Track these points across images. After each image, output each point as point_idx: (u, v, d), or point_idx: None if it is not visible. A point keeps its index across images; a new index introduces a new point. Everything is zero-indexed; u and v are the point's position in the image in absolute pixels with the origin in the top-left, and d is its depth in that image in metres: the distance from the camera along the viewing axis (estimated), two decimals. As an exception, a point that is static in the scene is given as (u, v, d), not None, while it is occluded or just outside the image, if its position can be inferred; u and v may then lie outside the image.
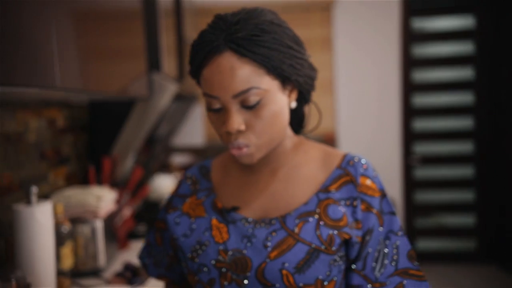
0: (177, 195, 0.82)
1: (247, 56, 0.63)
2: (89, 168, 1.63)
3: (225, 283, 0.69)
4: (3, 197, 1.20)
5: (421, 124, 3.10)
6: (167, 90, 1.60)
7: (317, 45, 2.96)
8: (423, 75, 3.07)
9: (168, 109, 1.88)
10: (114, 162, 1.65)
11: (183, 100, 2.07)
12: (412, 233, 3.14)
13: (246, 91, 0.63)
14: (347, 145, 3.01)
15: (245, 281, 0.67)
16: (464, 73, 3.05)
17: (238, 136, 0.66)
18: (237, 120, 0.65)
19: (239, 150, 0.67)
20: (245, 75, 0.63)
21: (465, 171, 3.11)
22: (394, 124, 3.02)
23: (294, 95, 0.71)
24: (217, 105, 0.66)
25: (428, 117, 3.09)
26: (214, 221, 0.73)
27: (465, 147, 3.10)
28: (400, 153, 3.04)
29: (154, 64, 1.70)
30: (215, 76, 0.64)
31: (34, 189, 1.08)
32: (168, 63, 1.82)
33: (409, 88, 3.03)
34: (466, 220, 3.16)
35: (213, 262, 0.70)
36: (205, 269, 0.70)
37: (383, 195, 0.72)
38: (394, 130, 3.02)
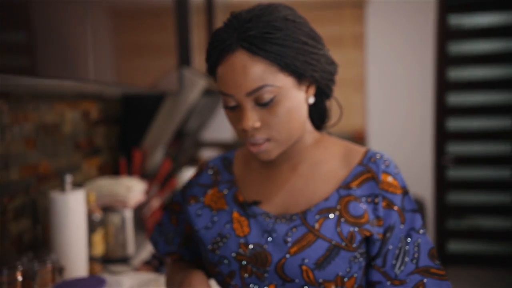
0: (198, 183, 0.83)
1: (259, 54, 0.62)
2: (120, 159, 1.69)
3: (246, 275, 0.70)
4: (40, 184, 1.26)
5: (456, 124, 3.01)
6: (197, 85, 1.63)
7: (348, 42, 2.92)
8: (459, 73, 2.98)
9: (197, 103, 1.92)
10: (144, 154, 1.70)
11: (212, 95, 2.10)
12: (443, 234, 3.06)
13: (259, 88, 0.63)
14: (377, 143, 2.96)
15: (265, 275, 0.68)
16: (505, 71, 2.93)
17: (254, 133, 0.66)
18: (252, 117, 0.65)
19: (257, 147, 0.68)
20: (258, 73, 0.63)
21: (502, 173, 3.00)
22: (426, 123, 2.94)
23: (311, 91, 0.70)
24: (232, 103, 0.66)
25: (464, 117, 2.99)
26: (235, 214, 0.74)
27: (502, 147, 2.99)
28: (433, 152, 2.97)
29: (184, 59, 1.74)
30: (229, 75, 0.64)
31: (68, 178, 1.13)
32: (199, 59, 1.85)
33: (443, 86, 2.94)
34: (502, 223, 3.04)
35: (233, 254, 0.71)
36: (225, 261, 0.71)
37: (405, 192, 0.71)
38: (426, 129, 2.95)
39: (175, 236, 0.86)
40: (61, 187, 1.13)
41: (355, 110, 2.98)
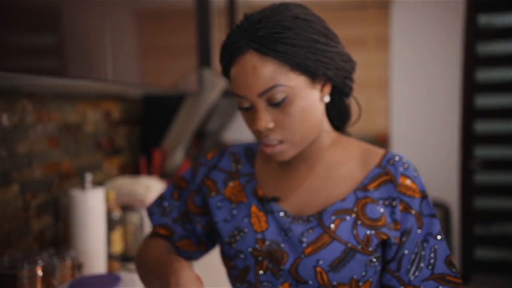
0: (217, 167, 0.81)
1: (268, 54, 0.62)
2: (140, 159, 1.71)
3: (260, 271, 0.69)
4: (62, 182, 1.29)
5: (484, 126, 2.91)
6: (217, 86, 1.64)
7: (372, 43, 2.88)
8: (488, 75, 2.88)
9: (217, 104, 1.93)
10: (164, 154, 1.72)
11: (233, 96, 2.11)
12: (470, 240, 2.97)
13: (271, 89, 0.63)
14: (401, 146, 2.90)
15: (280, 272, 0.68)
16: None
17: (268, 133, 0.66)
18: (265, 118, 0.65)
19: (271, 148, 0.67)
20: (268, 73, 0.63)
21: (533, 178, 2.88)
22: (453, 126, 2.86)
23: (327, 89, 0.69)
24: (246, 104, 0.66)
25: (492, 119, 2.90)
26: (254, 209, 0.73)
27: (533, 152, 2.87)
28: (459, 156, 2.88)
29: (205, 60, 1.75)
30: (240, 76, 0.65)
31: (89, 176, 1.15)
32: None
33: (471, 88, 2.86)
34: (532, 231, 2.92)
35: (250, 249, 0.70)
36: (241, 255, 0.71)
37: (424, 196, 0.69)
38: (453, 132, 2.87)
39: (172, 210, 0.84)
40: (82, 186, 1.15)
41: (379, 113, 2.92)
